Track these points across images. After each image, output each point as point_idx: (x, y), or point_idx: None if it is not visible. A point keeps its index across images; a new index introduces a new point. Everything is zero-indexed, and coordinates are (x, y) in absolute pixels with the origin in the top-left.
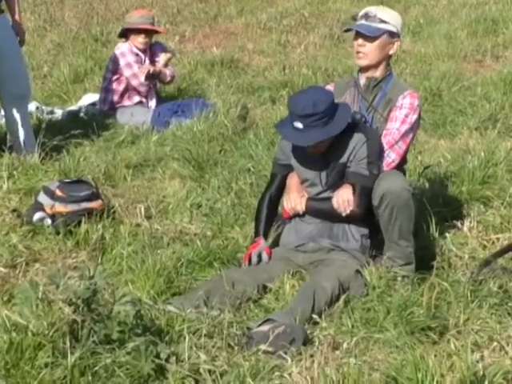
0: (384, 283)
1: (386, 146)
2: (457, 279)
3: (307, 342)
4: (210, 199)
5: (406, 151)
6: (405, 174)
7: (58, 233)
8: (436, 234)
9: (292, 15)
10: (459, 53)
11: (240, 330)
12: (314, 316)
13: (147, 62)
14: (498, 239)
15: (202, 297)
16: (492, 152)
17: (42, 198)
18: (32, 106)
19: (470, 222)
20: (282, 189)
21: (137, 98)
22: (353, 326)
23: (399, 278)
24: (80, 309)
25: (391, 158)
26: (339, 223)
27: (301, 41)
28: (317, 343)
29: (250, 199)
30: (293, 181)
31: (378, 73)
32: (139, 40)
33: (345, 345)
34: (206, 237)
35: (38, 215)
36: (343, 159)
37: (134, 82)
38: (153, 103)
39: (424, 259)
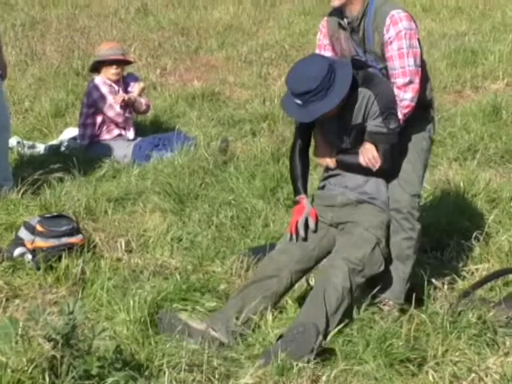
0: (367, 316)
1: (397, 91)
2: (436, 310)
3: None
4: (191, 233)
5: (421, 82)
6: (429, 106)
7: (38, 268)
8: (415, 265)
9: (272, 48)
10: (439, 84)
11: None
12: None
13: (121, 92)
14: (477, 270)
15: (235, 313)
16: (471, 183)
17: (23, 233)
18: (13, 141)
19: (450, 253)
20: (308, 138)
21: (116, 131)
22: (333, 359)
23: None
24: (59, 344)
25: (408, 98)
26: (367, 176)
27: (281, 73)
28: (296, 376)
29: (231, 232)
30: (319, 136)
31: (356, 10)
32: (111, 71)
33: (324, 377)
34: (186, 271)
35: (18, 250)
36: (359, 119)
37: (110, 113)
38: (131, 134)
39: None
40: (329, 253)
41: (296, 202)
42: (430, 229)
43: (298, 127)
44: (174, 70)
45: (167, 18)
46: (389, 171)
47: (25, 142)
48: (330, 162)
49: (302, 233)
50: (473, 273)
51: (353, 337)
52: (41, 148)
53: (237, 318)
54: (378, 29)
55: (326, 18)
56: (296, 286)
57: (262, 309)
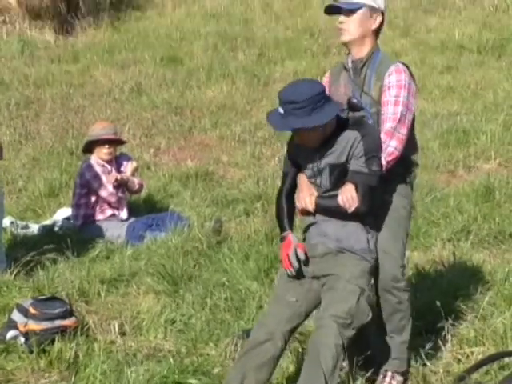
0: None
1: (384, 136)
2: None
3: None
4: (185, 315)
5: (408, 135)
6: (411, 168)
7: (31, 351)
8: (411, 349)
9: (266, 126)
10: (432, 163)
11: None
12: None
13: (114, 172)
14: (472, 353)
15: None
16: (465, 264)
17: (16, 316)
18: (6, 221)
19: (445, 336)
20: (294, 184)
21: (109, 212)
22: None
23: None
24: None
25: (393, 146)
26: (348, 222)
27: (275, 152)
28: None
29: (225, 314)
30: (303, 179)
31: (363, 52)
32: (104, 151)
33: None
34: (180, 353)
35: (11, 333)
36: (342, 159)
37: (103, 193)
38: (124, 214)
39: None
40: (316, 306)
41: (283, 239)
42: (425, 311)
43: (285, 172)
44: (167, 150)
45: (161, 97)
46: (365, 216)
47: (18, 222)
48: (310, 204)
49: (295, 264)
50: (468, 356)
51: None
52: (34, 228)
53: None
54: (381, 74)
55: (329, 72)
56: (287, 363)
57: (263, 377)
